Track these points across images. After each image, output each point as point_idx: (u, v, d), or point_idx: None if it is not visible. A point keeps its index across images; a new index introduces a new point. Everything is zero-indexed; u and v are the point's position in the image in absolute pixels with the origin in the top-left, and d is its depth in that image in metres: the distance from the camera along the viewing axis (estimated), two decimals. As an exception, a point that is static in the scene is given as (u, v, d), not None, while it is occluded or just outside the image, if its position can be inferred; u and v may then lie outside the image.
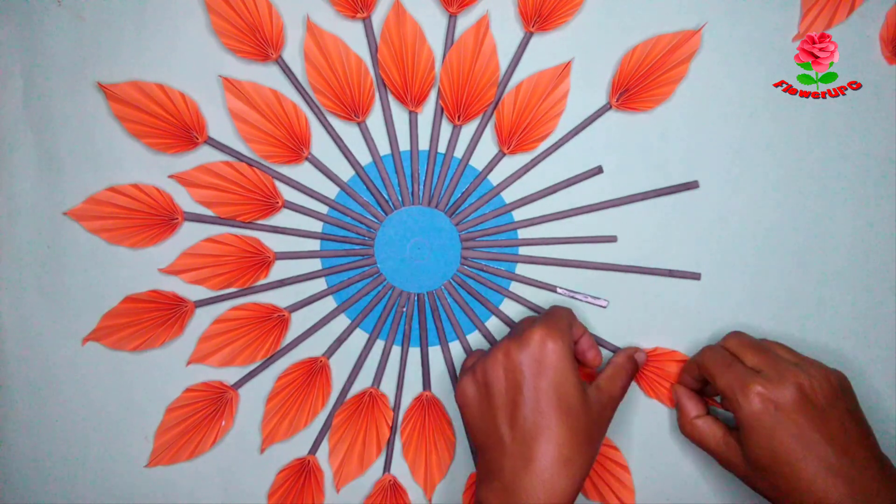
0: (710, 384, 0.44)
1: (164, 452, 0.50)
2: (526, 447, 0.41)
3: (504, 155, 0.48)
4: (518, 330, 0.44)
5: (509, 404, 0.42)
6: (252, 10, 0.46)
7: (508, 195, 0.49)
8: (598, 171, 0.48)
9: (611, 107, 0.47)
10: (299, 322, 0.50)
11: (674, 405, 0.49)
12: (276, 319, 0.49)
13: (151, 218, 0.48)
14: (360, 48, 0.47)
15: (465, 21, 0.47)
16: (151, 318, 0.49)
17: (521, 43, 0.47)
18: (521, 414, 0.41)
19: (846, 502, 0.39)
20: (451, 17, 0.47)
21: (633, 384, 0.49)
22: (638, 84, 0.47)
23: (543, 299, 0.49)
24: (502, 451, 0.41)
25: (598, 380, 0.45)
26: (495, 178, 0.49)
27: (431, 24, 0.47)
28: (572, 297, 0.49)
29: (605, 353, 0.49)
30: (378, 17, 0.47)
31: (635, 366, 0.47)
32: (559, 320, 0.43)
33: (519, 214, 0.49)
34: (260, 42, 0.46)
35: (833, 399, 0.41)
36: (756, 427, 0.41)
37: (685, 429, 0.46)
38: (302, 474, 0.50)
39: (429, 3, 0.47)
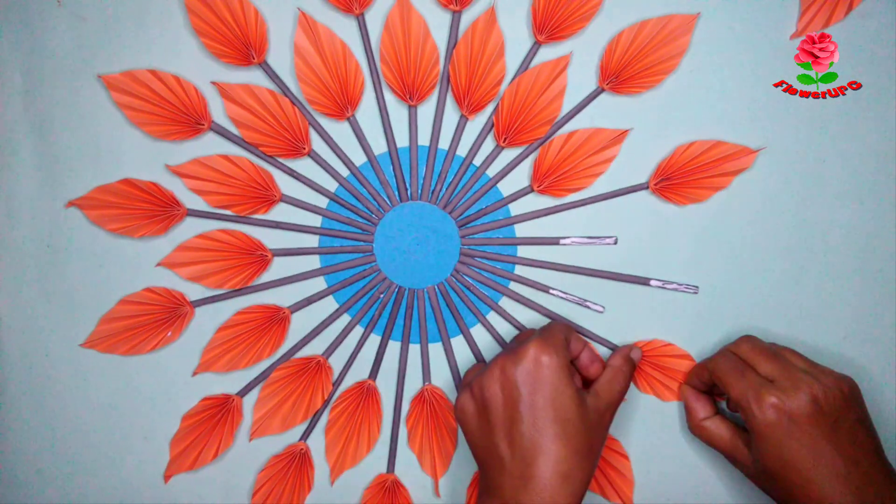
0: (719, 387, 0.45)
1: (103, 340, 0.49)
2: (525, 465, 0.41)
3: (531, 191, 0.48)
4: (514, 345, 0.44)
5: (507, 421, 0.42)
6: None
7: (505, 188, 0.49)
8: (613, 241, 0.48)
9: (648, 188, 0.48)
10: (292, 306, 0.50)
11: (674, 399, 0.49)
12: (258, 255, 0.50)
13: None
14: (355, 47, 0.47)
15: (469, 17, 0.47)
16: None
17: (590, 94, 0.47)
18: (519, 431, 0.41)
19: None
20: (455, 14, 0.47)
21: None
22: (681, 178, 0.47)
23: (543, 297, 0.50)
24: (501, 468, 0.41)
25: (596, 386, 0.45)
26: (499, 179, 0.49)
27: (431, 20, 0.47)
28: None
29: (604, 351, 0.50)
30: (371, 15, 0.47)
31: (632, 366, 0.47)
32: (554, 334, 0.43)
33: (516, 208, 0.49)
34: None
35: (845, 409, 0.41)
36: (769, 436, 0.41)
37: (695, 430, 0.47)
38: (222, 410, 0.51)
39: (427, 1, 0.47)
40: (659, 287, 0.49)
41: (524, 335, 0.45)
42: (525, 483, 0.40)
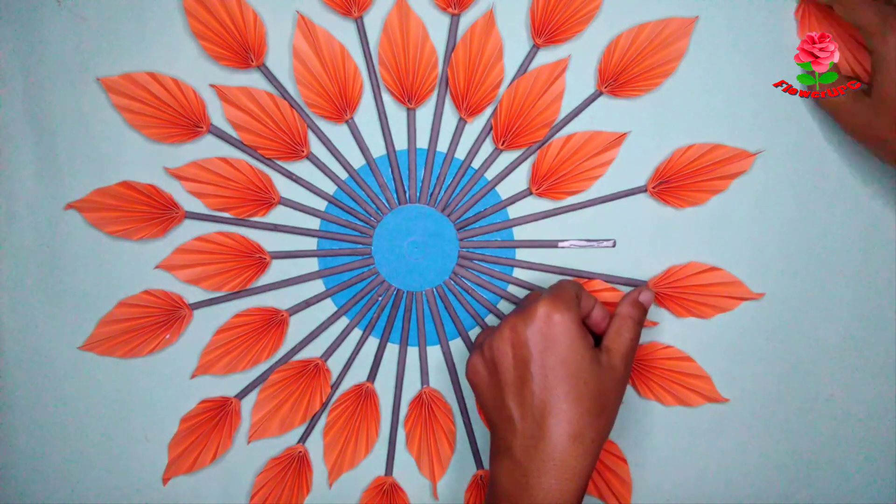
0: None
1: (102, 342, 0.49)
2: (535, 425, 0.40)
3: (529, 193, 0.48)
4: (524, 304, 0.43)
5: (517, 381, 0.41)
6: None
7: (504, 191, 0.49)
8: (612, 244, 0.48)
9: (646, 191, 0.48)
10: (294, 318, 0.50)
11: (674, 403, 0.49)
12: (257, 258, 0.49)
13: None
14: (353, 49, 0.47)
15: (468, 20, 0.47)
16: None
17: (589, 97, 0.47)
18: (530, 391, 0.41)
19: None
20: (453, 17, 0.47)
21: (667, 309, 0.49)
22: (679, 181, 0.47)
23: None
24: (512, 429, 0.41)
25: (605, 340, 0.43)
26: (498, 182, 0.49)
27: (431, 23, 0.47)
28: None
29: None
30: (371, 17, 0.47)
31: (641, 310, 0.45)
32: (564, 291, 0.42)
33: (515, 211, 0.49)
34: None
35: None
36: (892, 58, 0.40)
37: None
38: (220, 412, 0.50)
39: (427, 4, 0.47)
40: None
41: (534, 295, 0.44)
42: (536, 443, 0.40)
